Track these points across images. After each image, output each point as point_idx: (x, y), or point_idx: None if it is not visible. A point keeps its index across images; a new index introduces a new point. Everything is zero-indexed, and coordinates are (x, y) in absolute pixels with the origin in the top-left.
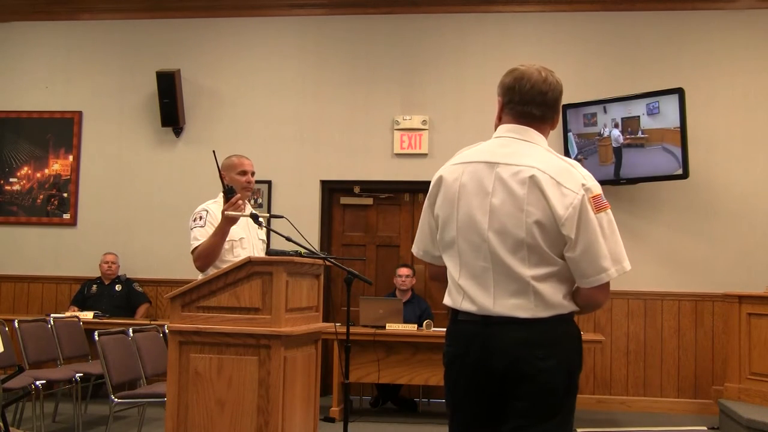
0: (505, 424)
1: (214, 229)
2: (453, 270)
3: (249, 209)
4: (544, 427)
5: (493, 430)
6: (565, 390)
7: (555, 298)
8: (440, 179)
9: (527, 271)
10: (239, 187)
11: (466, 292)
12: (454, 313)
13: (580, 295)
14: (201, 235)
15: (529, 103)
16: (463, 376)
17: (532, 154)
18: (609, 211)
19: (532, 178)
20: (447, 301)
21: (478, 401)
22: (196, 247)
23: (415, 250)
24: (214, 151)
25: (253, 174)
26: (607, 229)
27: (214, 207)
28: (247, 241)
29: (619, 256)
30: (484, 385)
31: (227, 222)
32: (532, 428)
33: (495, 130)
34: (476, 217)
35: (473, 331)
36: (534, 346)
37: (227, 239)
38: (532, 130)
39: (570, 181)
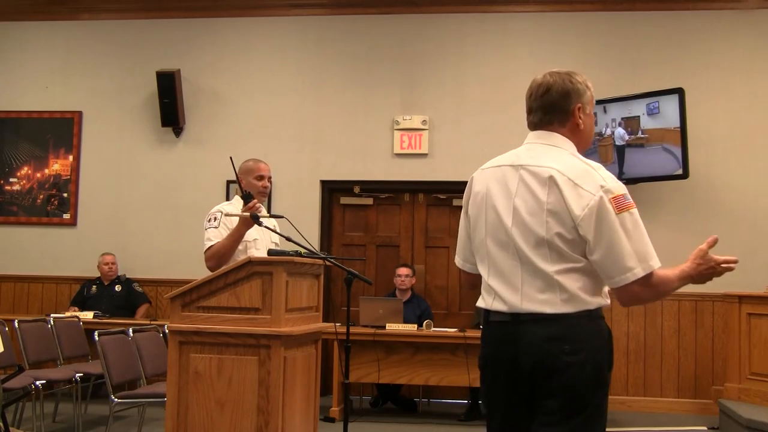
0: (534, 422)
1: (227, 230)
2: (483, 271)
3: (264, 212)
4: (571, 424)
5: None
6: (593, 386)
7: (581, 293)
8: (471, 183)
9: (550, 267)
10: (255, 192)
11: (497, 292)
12: (486, 314)
13: (617, 293)
14: (215, 236)
15: (530, 111)
16: (497, 377)
17: (553, 156)
18: (633, 210)
19: (550, 178)
20: (480, 303)
21: (512, 401)
22: (210, 248)
23: (457, 260)
24: (231, 158)
25: (269, 179)
26: (632, 228)
27: (229, 209)
28: (260, 242)
29: (645, 255)
30: (516, 384)
31: (244, 225)
32: (560, 425)
33: None
34: (502, 217)
35: (503, 331)
36: (560, 341)
37: (242, 240)
38: (556, 134)
39: (589, 183)
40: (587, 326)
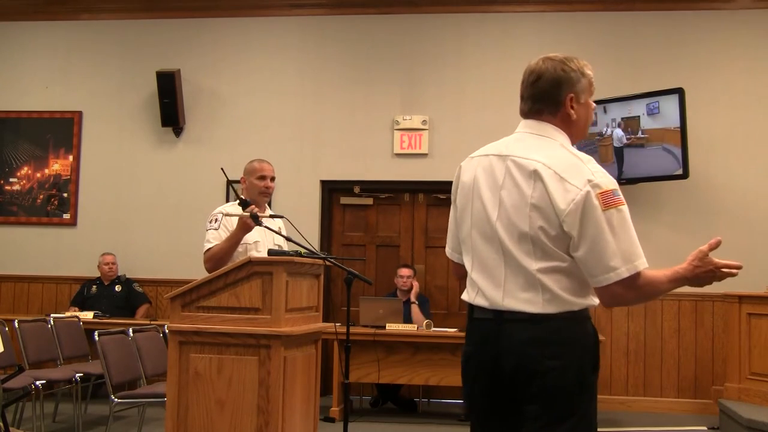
0: (519, 429)
1: (227, 232)
2: (467, 264)
3: (268, 212)
4: (559, 431)
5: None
6: (576, 390)
7: (564, 294)
8: (459, 173)
9: (533, 264)
10: (256, 192)
11: (480, 287)
12: (470, 309)
13: (599, 293)
14: (214, 238)
15: (522, 98)
16: (478, 376)
17: (541, 148)
18: (622, 207)
19: (535, 172)
20: (464, 296)
21: (493, 402)
22: (208, 250)
23: (447, 249)
24: (222, 169)
25: (272, 179)
26: (618, 226)
27: (231, 210)
28: (262, 244)
29: (630, 255)
30: (497, 385)
31: (242, 230)
32: (547, 431)
33: None
34: (488, 209)
35: (485, 330)
36: (543, 344)
37: (242, 242)
38: (548, 124)
39: (576, 177)
40: (571, 329)
